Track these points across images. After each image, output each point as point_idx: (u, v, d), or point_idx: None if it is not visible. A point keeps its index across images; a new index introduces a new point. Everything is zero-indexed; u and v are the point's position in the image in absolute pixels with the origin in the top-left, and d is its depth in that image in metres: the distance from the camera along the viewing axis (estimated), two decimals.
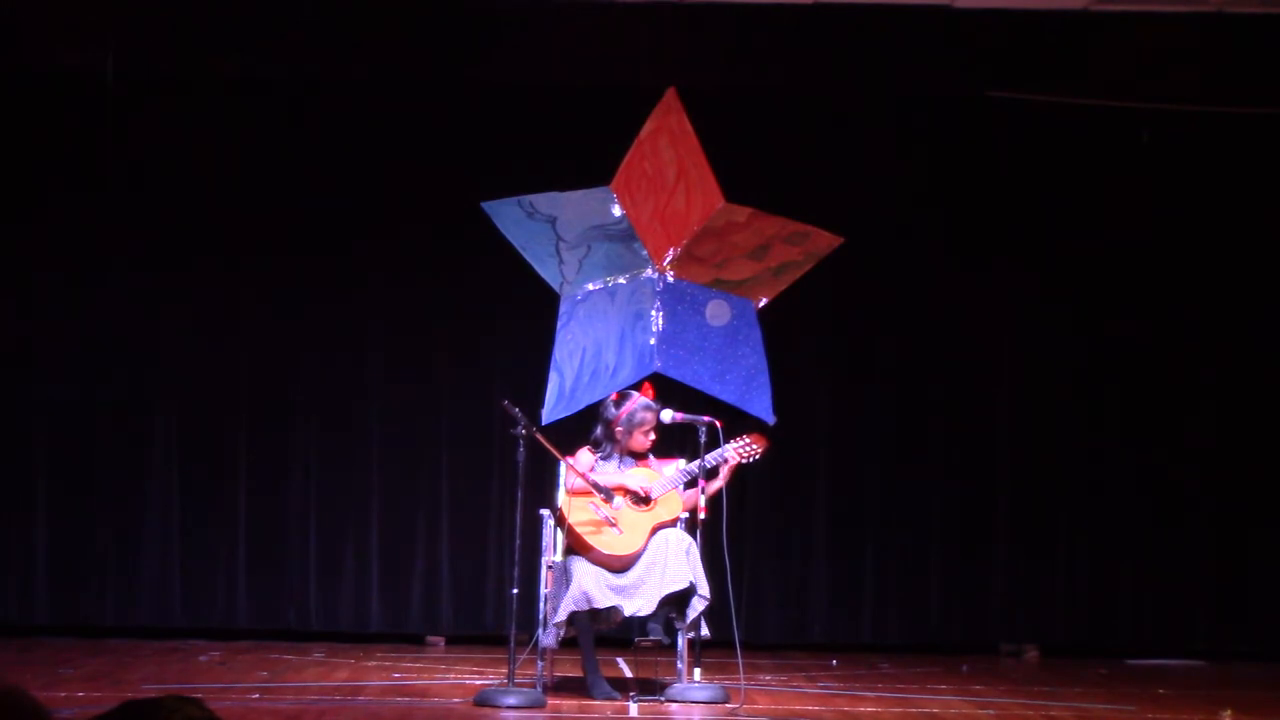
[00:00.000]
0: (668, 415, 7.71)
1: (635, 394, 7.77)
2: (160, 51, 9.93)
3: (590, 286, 8.04)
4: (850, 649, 10.02)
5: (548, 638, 7.47)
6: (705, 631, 7.55)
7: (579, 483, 7.55)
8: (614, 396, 7.79)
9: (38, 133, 10.11)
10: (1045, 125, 10.20)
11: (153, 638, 9.88)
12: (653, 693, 7.54)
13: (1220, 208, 10.35)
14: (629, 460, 7.75)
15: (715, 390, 8.09)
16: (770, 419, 8.02)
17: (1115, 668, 9.60)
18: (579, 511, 7.53)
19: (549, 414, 7.91)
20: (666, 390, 8.06)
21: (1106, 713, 7.59)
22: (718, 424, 7.61)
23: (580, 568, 7.43)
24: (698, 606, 7.45)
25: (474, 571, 10.23)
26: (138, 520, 10.08)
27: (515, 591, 7.33)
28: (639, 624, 7.57)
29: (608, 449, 7.74)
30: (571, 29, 9.76)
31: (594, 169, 8.15)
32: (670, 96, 7.95)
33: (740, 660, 7.45)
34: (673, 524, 7.64)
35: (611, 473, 7.67)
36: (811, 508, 10.32)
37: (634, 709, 7.25)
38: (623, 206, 7.93)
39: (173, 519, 10.09)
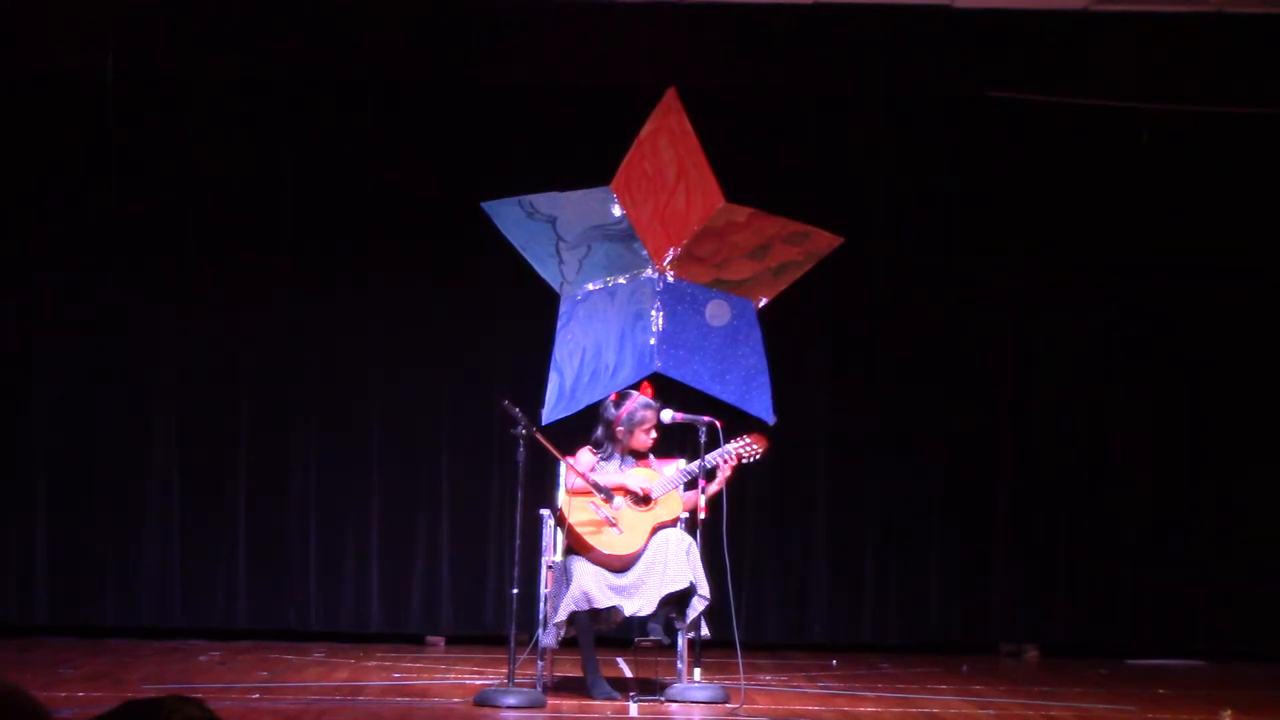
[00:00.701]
0: (668, 415, 7.71)
1: (635, 393, 7.77)
2: (160, 51, 9.92)
3: (590, 286, 8.04)
4: (850, 649, 10.02)
5: (548, 638, 7.47)
6: (705, 631, 7.56)
7: (579, 483, 7.55)
8: (614, 396, 7.79)
9: (38, 133, 10.11)
10: (1045, 125, 10.20)
11: (153, 638, 9.88)
12: (653, 693, 7.54)
13: (1220, 208, 10.35)
14: (630, 460, 7.75)
15: (715, 390, 8.09)
16: (770, 419, 8.03)
17: (1115, 668, 9.60)
18: (579, 511, 7.53)
19: (549, 414, 7.91)
20: (666, 390, 8.06)
21: (1106, 713, 7.59)
22: (718, 424, 7.61)
23: (580, 568, 7.43)
24: (698, 606, 7.45)
25: (474, 571, 10.23)
26: (138, 520, 10.07)
27: (515, 591, 7.33)
28: (639, 624, 7.57)
29: (609, 449, 7.74)
30: (571, 29, 9.76)
31: (594, 169, 8.15)
32: (670, 96, 7.96)
33: (740, 660, 7.45)
34: (673, 524, 7.64)
35: (612, 473, 7.67)
36: (811, 508, 10.32)
37: (634, 709, 7.25)
38: (623, 206, 7.93)
39: (173, 519, 10.09)
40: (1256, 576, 10.25)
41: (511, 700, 7.16)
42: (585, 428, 7.86)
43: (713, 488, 7.63)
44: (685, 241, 8.01)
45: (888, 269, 10.23)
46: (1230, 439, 10.31)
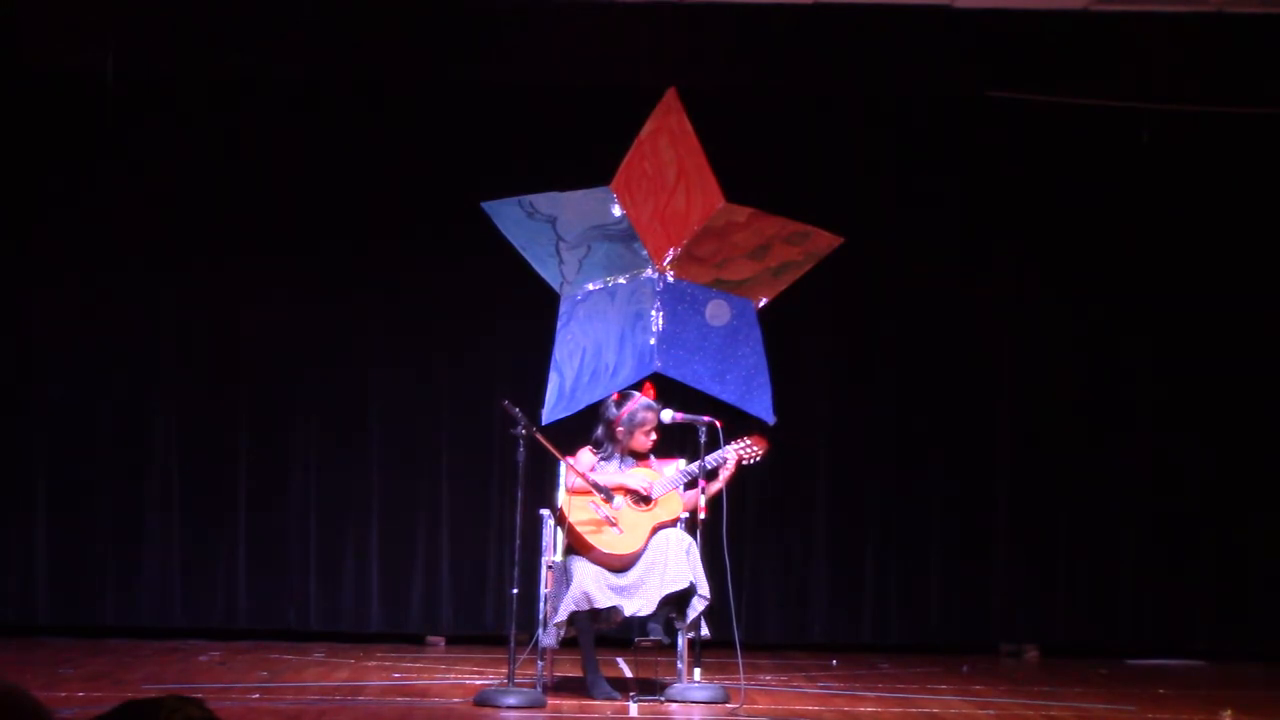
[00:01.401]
0: (668, 415, 7.71)
1: (636, 394, 7.76)
2: (160, 51, 9.92)
3: (590, 286, 8.04)
4: (850, 649, 10.02)
5: (548, 638, 7.47)
6: (705, 631, 7.55)
7: (579, 482, 7.55)
8: (615, 397, 7.79)
9: (38, 133, 10.11)
10: (1045, 125, 10.20)
11: (153, 638, 9.88)
12: (653, 693, 7.54)
13: (1220, 208, 10.35)
14: (630, 460, 7.74)
15: (715, 390, 8.09)
16: (770, 419, 8.03)
17: (1115, 668, 9.60)
18: (579, 511, 7.53)
19: (549, 414, 7.91)
20: (666, 390, 8.06)
21: (1106, 713, 7.58)
22: (718, 424, 7.61)
23: (580, 568, 7.43)
24: (698, 606, 7.45)
25: (474, 571, 10.23)
26: (138, 520, 10.07)
27: (515, 591, 7.33)
28: (639, 624, 7.56)
29: (609, 449, 7.74)
30: (571, 29, 9.76)
31: (594, 169, 8.15)
32: (670, 96, 7.96)
33: (740, 660, 7.45)
34: (673, 524, 7.64)
35: (612, 473, 7.67)
36: (811, 508, 10.32)
37: (634, 709, 7.25)
38: (623, 206, 7.93)
39: (173, 519, 10.09)
40: (1256, 576, 10.25)
41: (511, 700, 7.16)
42: (585, 428, 7.86)
43: (713, 488, 7.63)
44: (685, 241, 8.01)
45: (888, 269, 10.23)
46: (1230, 439, 10.31)
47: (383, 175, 10.17)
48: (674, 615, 7.52)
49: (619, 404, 7.74)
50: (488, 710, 7.13)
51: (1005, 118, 10.20)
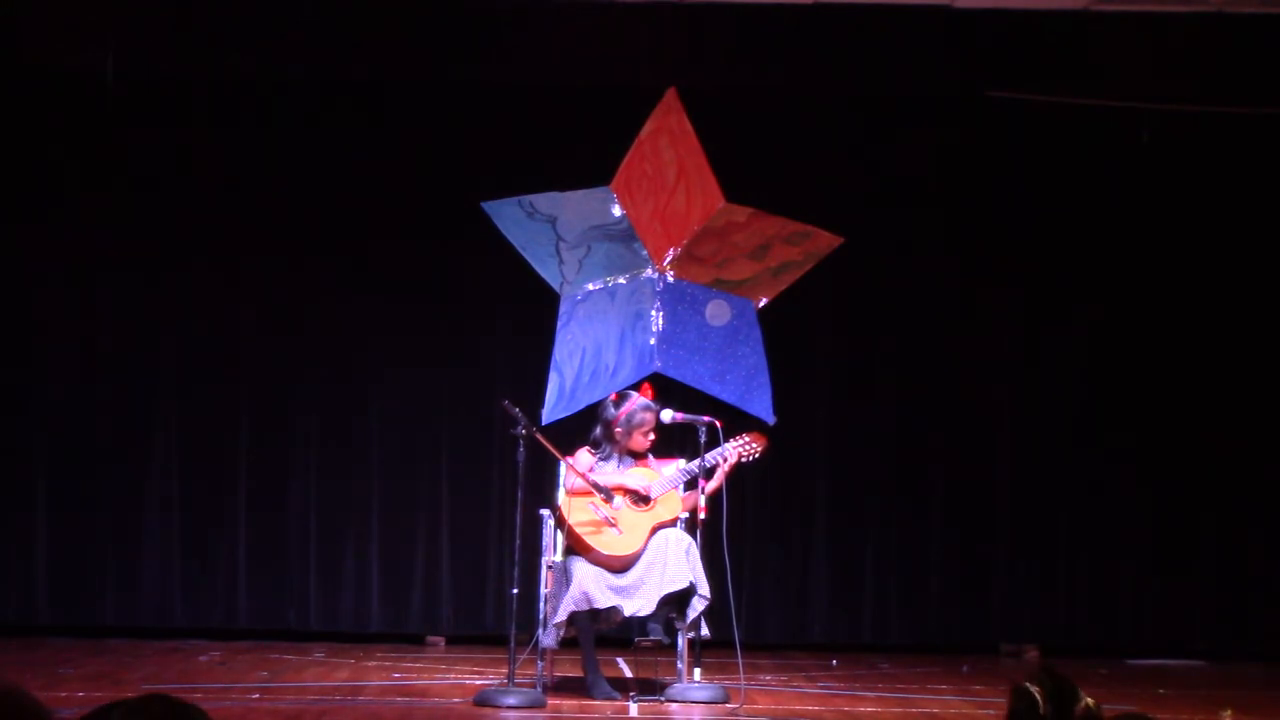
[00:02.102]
0: (668, 415, 7.71)
1: (635, 394, 7.76)
2: (160, 51, 9.92)
3: (590, 286, 8.04)
4: (850, 649, 10.02)
5: (548, 638, 7.47)
6: (705, 631, 7.56)
7: (579, 483, 7.55)
8: (613, 397, 7.79)
9: (38, 133, 10.11)
10: (1045, 125, 10.20)
11: (153, 638, 9.87)
12: (653, 693, 7.54)
13: (1220, 208, 10.35)
14: (628, 460, 7.75)
15: (715, 390, 8.10)
16: (770, 419, 8.03)
17: (1115, 668, 9.59)
18: (579, 511, 7.54)
19: (549, 414, 7.92)
20: (666, 390, 8.06)
21: (1106, 713, 7.56)
22: (718, 424, 7.61)
23: (580, 568, 7.43)
24: (698, 606, 7.45)
25: (474, 571, 10.23)
26: (138, 520, 10.07)
27: (515, 591, 7.34)
28: (639, 624, 7.57)
29: (607, 449, 7.74)
30: (571, 29, 9.76)
31: (594, 169, 8.16)
32: (670, 96, 7.96)
33: (740, 660, 7.45)
34: (672, 524, 7.64)
35: (611, 473, 7.67)
36: (811, 508, 10.32)
37: (634, 709, 7.25)
38: (623, 206, 7.93)
39: (173, 519, 10.09)
40: (1256, 576, 10.25)
41: (511, 700, 7.16)
42: (585, 428, 7.87)
43: (711, 485, 7.63)
44: (685, 241, 8.01)
45: (887, 269, 10.23)
46: (1231, 438, 10.31)
47: (383, 175, 10.17)
48: (674, 615, 7.52)
49: (617, 404, 7.74)
50: (488, 710, 7.13)
51: (1005, 118, 10.20)
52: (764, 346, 8.11)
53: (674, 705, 7.37)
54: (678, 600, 7.46)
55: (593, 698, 7.43)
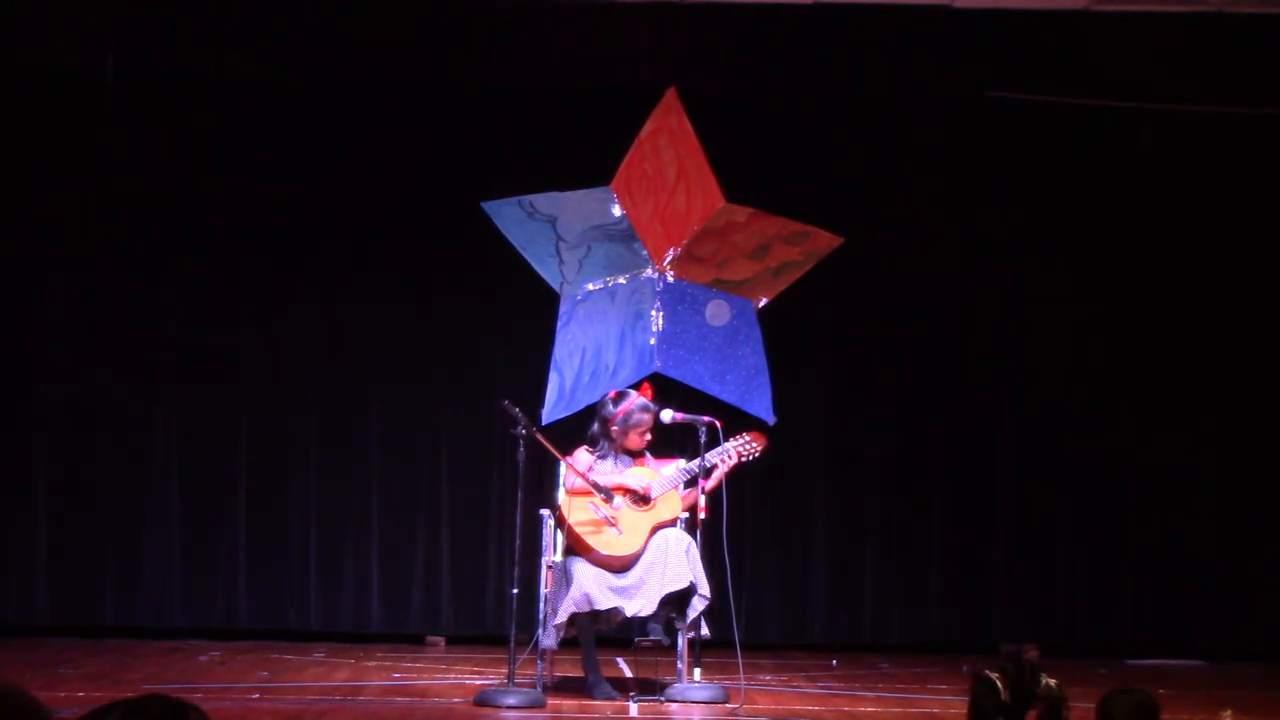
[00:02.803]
0: (668, 415, 7.71)
1: (633, 393, 7.76)
2: (160, 51, 9.92)
3: (590, 286, 8.04)
4: (850, 649, 10.02)
5: (548, 638, 7.47)
6: (705, 631, 7.56)
7: (579, 483, 7.55)
8: (612, 395, 7.79)
9: (38, 133, 10.11)
10: (1045, 125, 10.20)
11: (153, 638, 9.87)
12: (653, 693, 7.54)
13: (1220, 208, 10.35)
14: (626, 459, 7.74)
15: (715, 390, 8.10)
16: (770, 419, 8.03)
17: (1115, 668, 9.59)
18: (578, 512, 7.53)
19: (549, 414, 7.92)
20: (666, 390, 8.06)
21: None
22: (717, 424, 7.61)
23: (581, 568, 7.43)
24: (698, 606, 7.45)
25: (474, 571, 10.23)
26: (138, 520, 10.07)
27: (515, 591, 7.34)
28: (639, 624, 7.57)
29: (604, 447, 7.74)
30: (571, 29, 9.76)
31: (594, 169, 8.16)
32: (670, 96, 7.97)
33: (740, 660, 7.45)
34: (672, 523, 7.64)
35: (609, 472, 7.67)
36: (811, 508, 10.32)
37: (634, 709, 7.25)
38: (623, 206, 7.94)
39: (173, 519, 10.09)
40: (1256, 576, 10.25)
41: (511, 700, 7.16)
42: (585, 427, 7.86)
43: (710, 484, 7.63)
44: (685, 241, 8.01)
45: (887, 269, 10.23)
46: (1230, 439, 10.31)
47: (383, 175, 10.17)
48: (674, 615, 7.52)
49: (615, 402, 7.74)
50: (488, 710, 7.13)
51: (1005, 118, 10.20)
52: (764, 346, 8.11)
53: (674, 705, 7.37)
54: (678, 600, 7.46)
55: (593, 698, 7.43)
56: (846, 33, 9.87)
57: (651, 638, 7.47)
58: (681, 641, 7.56)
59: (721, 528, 7.39)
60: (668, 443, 8.02)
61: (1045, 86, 10.08)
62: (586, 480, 7.52)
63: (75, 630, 9.96)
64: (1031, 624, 10.27)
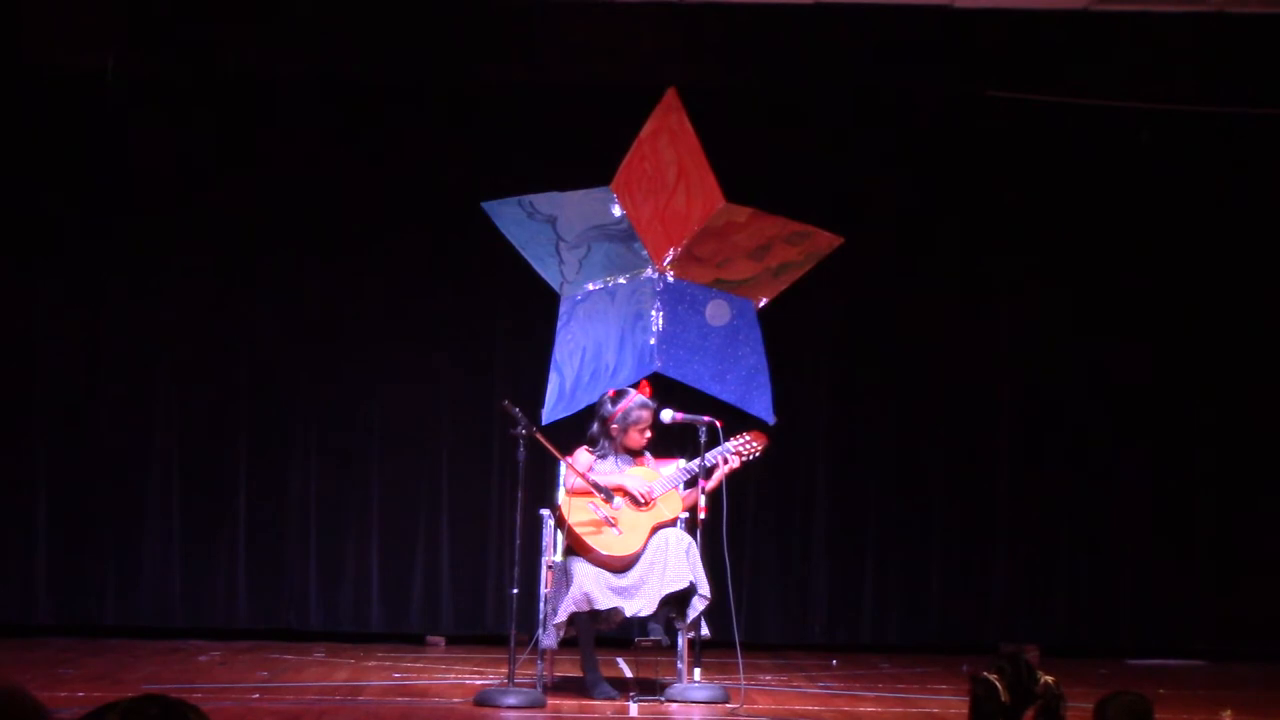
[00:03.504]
0: (668, 415, 7.71)
1: (632, 391, 7.77)
2: (160, 51, 9.92)
3: (590, 286, 8.05)
4: (850, 649, 10.02)
5: (548, 638, 7.47)
6: (705, 631, 7.56)
7: (579, 483, 7.55)
8: (611, 393, 7.79)
9: (38, 133, 10.11)
10: (1045, 125, 10.20)
11: (153, 638, 9.87)
12: (653, 693, 7.54)
13: (1220, 208, 10.35)
14: (625, 458, 7.75)
15: (715, 390, 8.10)
16: (770, 419, 8.03)
17: (1115, 668, 9.59)
18: (579, 512, 7.54)
19: (549, 414, 7.92)
20: (666, 390, 8.06)
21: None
22: (718, 424, 7.61)
23: (581, 568, 7.43)
24: (698, 606, 7.46)
25: (474, 571, 10.23)
26: (138, 520, 10.07)
27: (515, 591, 7.34)
28: (639, 624, 7.57)
29: (604, 446, 7.74)
30: (572, 29, 9.76)
31: (594, 169, 8.15)
32: (670, 96, 7.97)
33: (740, 660, 7.45)
34: (673, 523, 7.64)
35: (609, 471, 7.67)
36: (811, 508, 10.31)
37: (634, 709, 7.26)
38: (623, 206, 7.94)
39: (173, 519, 10.09)
40: (1256, 576, 10.24)
41: (511, 700, 7.16)
42: (585, 427, 7.87)
43: (711, 483, 7.63)
44: (685, 241, 8.01)
45: (887, 269, 10.23)
46: (1230, 439, 10.31)
47: (383, 175, 10.17)
48: (674, 615, 7.52)
49: (614, 400, 7.74)
50: (488, 710, 7.13)
51: (1005, 118, 10.20)
52: (764, 346, 8.11)
53: (674, 705, 7.37)
54: (678, 600, 7.46)
55: (593, 698, 7.43)
56: (846, 33, 9.87)
57: (651, 638, 7.48)
58: (681, 641, 7.57)
59: (722, 528, 7.39)
60: (668, 442, 8.02)
61: (1045, 86, 10.07)
62: (586, 480, 7.53)
63: (75, 630, 9.95)
64: (1031, 624, 10.27)
